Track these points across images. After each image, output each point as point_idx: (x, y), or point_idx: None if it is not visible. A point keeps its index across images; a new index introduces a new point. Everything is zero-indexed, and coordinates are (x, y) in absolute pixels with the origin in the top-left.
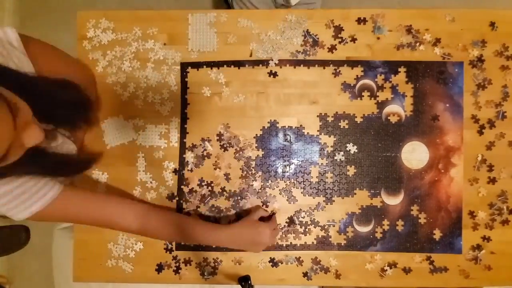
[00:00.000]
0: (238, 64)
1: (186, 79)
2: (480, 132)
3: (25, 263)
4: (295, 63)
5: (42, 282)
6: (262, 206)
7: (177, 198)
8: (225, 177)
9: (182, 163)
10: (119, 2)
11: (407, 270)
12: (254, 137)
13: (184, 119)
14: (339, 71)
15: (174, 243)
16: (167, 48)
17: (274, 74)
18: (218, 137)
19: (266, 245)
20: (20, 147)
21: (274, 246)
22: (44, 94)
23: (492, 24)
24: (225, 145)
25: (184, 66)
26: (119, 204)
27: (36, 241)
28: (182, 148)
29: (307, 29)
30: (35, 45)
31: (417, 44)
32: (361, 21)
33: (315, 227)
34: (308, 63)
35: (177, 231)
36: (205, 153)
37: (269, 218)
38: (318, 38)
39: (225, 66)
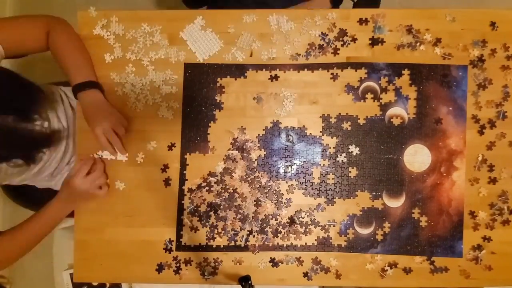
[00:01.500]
0: (241, 67)
1: (188, 80)
2: (481, 132)
3: (26, 263)
4: (299, 67)
5: (43, 282)
6: (265, 202)
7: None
8: (228, 177)
9: (184, 163)
10: (119, 3)
11: (407, 270)
12: (256, 137)
13: (186, 119)
14: (337, 74)
15: (174, 244)
16: (169, 47)
17: (276, 77)
18: (233, 140)
19: (88, 192)
20: None
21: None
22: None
23: (493, 24)
24: (238, 147)
25: (187, 68)
26: None
27: None
28: (184, 148)
29: (322, 31)
30: None
31: (418, 44)
32: (362, 21)
33: (315, 227)
34: (311, 67)
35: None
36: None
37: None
38: (334, 40)
39: (227, 71)
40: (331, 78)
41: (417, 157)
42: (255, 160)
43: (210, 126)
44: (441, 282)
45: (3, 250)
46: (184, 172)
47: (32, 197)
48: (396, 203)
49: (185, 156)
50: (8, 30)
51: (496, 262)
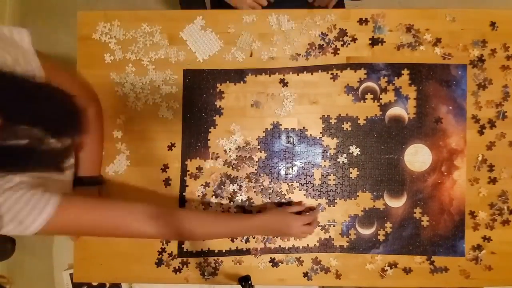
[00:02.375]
0: (241, 72)
1: (188, 86)
2: (481, 132)
3: (26, 263)
4: (298, 70)
5: (43, 282)
6: (267, 204)
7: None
8: (229, 180)
9: (184, 170)
10: (119, 2)
11: (407, 270)
12: (257, 139)
13: (186, 125)
14: (337, 74)
15: (176, 249)
16: (169, 47)
17: (283, 82)
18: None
19: (293, 236)
20: None
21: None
22: (44, 100)
23: (493, 24)
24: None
25: (187, 74)
26: (126, 205)
27: (37, 241)
28: (184, 154)
29: (322, 31)
30: (46, 58)
31: (418, 44)
32: (362, 21)
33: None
34: (311, 69)
35: (212, 226)
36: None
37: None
38: (334, 40)
39: (226, 76)
40: (331, 78)
41: (417, 157)
42: (256, 162)
43: (210, 132)
44: (441, 282)
45: (189, 223)
46: (185, 178)
47: None
48: (397, 203)
49: (186, 162)
50: (58, 78)
51: (496, 262)
